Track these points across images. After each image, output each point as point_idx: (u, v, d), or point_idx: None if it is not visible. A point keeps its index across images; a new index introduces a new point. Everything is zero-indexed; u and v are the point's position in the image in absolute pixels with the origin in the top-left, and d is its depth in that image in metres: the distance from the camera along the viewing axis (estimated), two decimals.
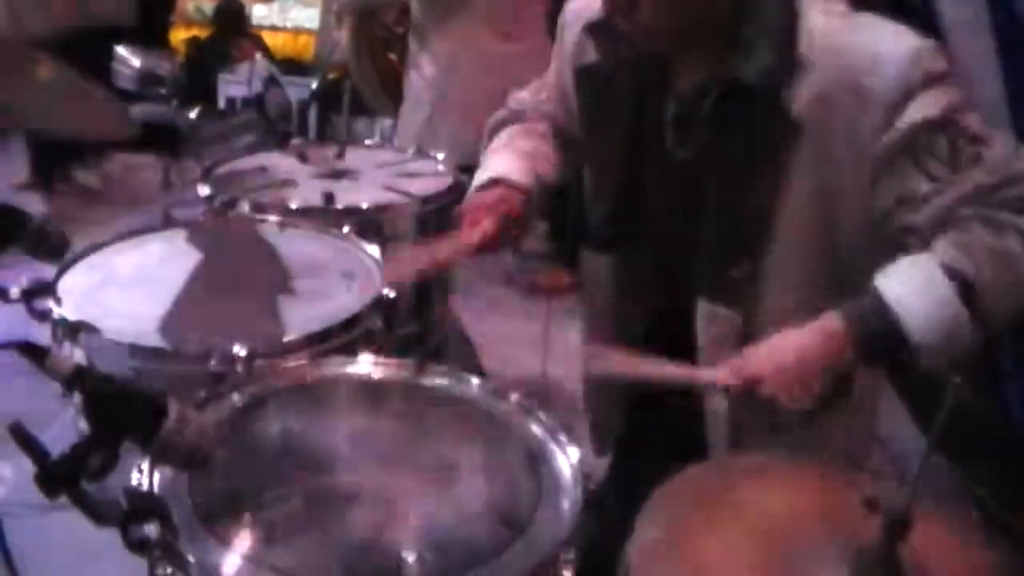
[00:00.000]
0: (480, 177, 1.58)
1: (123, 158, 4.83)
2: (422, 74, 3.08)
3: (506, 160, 1.58)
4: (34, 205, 4.62)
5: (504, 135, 1.65)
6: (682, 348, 1.40)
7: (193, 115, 3.74)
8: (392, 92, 3.34)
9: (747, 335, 1.33)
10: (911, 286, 1.18)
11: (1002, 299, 1.19)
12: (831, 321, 1.21)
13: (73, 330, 1.48)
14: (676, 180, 1.39)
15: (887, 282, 1.20)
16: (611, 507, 1.35)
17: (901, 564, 0.94)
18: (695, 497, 1.10)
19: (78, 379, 1.02)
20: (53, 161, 4.92)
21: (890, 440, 1.43)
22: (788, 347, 1.22)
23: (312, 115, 4.44)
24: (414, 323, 2.22)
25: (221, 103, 4.51)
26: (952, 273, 1.17)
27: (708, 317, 1.39)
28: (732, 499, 1.08)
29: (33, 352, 1.01)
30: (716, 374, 1.27)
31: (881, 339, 1.19)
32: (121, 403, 1.03)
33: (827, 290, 1.30)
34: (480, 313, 3.04)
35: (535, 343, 3.45)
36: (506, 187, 1.53)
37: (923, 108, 1.21)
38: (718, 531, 1.03)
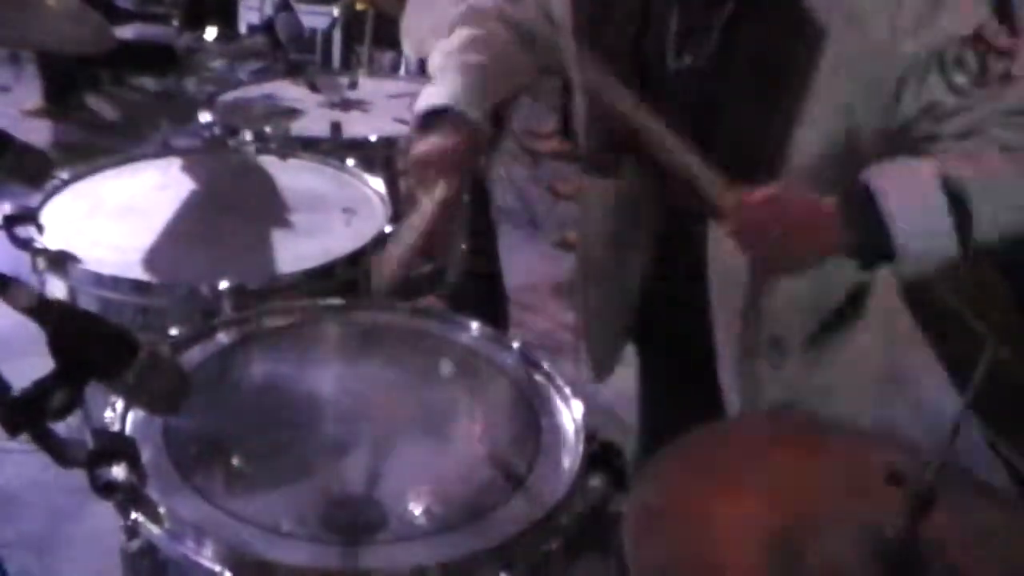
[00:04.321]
0: (426, 101, 1.43)
1: (140, 86, 4.74)
2: None
3: (453, 82, 1.43)
4: (42, 132, 4.57)
5: (456, 41, 1.50)
6: (689, 276, 1.34)
7: (210, 38, 3.59)
8: None
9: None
10: (905, 192, 1.17)
11: (997, 220, 1.18)
12: (829, 201, 1.19)
13: (54, 260, 1.41)
14: (685, 96, 1.30)
15: (881, 181, 1.17)
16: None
17: (922, 544, 0.87)
18: (702, 459, 1.03)
19: (41, 311, 0.95)
20: (66, 88, 4.83)
21: (927, 403, 1.35)
22: (793, 198, 1.19)
23: (336, 45, 4.30)
24: (427, 262, 2.14)
25: (242, 28, 4.35)
26: (950, 185, 1.14)
27: (720, 241, 1.31)
28: (743, 463, 1.01)
29: None
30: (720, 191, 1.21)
31: (866, 233, 1.17)
32: (88, 339, 0.96)
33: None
34: (503, 258, 2.96)
35: (560, 290, 3.39)
36: (454, 127, 1.39)
37: (954, 21, 1.17)
38: (724, 497, 0.96)
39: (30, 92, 4.89)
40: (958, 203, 1.14)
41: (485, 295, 2.83)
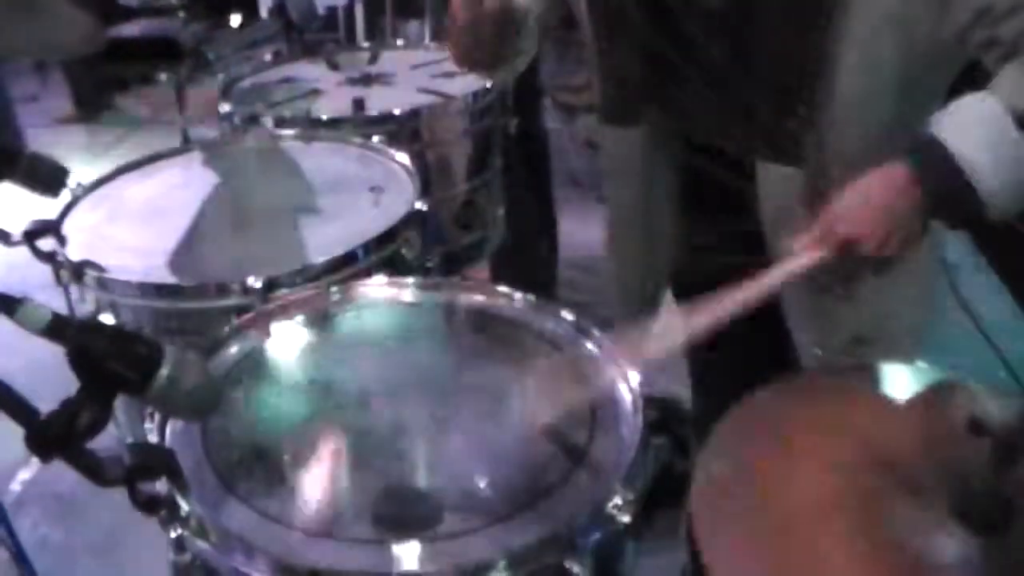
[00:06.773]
0: None
1: (164, 81, 4.72)
2: None
3: None
4: (75, 138, 4.58)
5: None
6: (733, 212, 1.28)
7: (236, 24, 3.52)
8: None
9: (815, 193, 1.19)
10: (976, 136, 1.07)
11: None
12: (899, 170, 1.09)
13: (78, 271, 1.36)
14: (713, 32, 1.22)
15: (949, 132, 1.07)
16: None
17: (1010, 495, 0.79)
18: (769, 424, 0.95)
19: (56, 330, 0.90)
20: (94, 92, 4.84)
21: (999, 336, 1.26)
22: (871, 198, 1.10)
23: (359, 21, 4.23)
24: (467, 233, 2.10)
25: (263, 14, 4.30)
26: (1019, 116, 1.04)
27: (768, 180, 1.25)
28: (812, 425, 0.93)
29: (3, 303, 0.89)
30: (806, 255, 1.12)
31: (950, 191, 1.07)
32: (109, 352, 0.91)
33: (894, 129, 1.18)
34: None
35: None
36: None
37: None
38: (796, 463, 0.88)
39: (59, 100, 4.91)
40: None
41: (535, 258, 2.79)
